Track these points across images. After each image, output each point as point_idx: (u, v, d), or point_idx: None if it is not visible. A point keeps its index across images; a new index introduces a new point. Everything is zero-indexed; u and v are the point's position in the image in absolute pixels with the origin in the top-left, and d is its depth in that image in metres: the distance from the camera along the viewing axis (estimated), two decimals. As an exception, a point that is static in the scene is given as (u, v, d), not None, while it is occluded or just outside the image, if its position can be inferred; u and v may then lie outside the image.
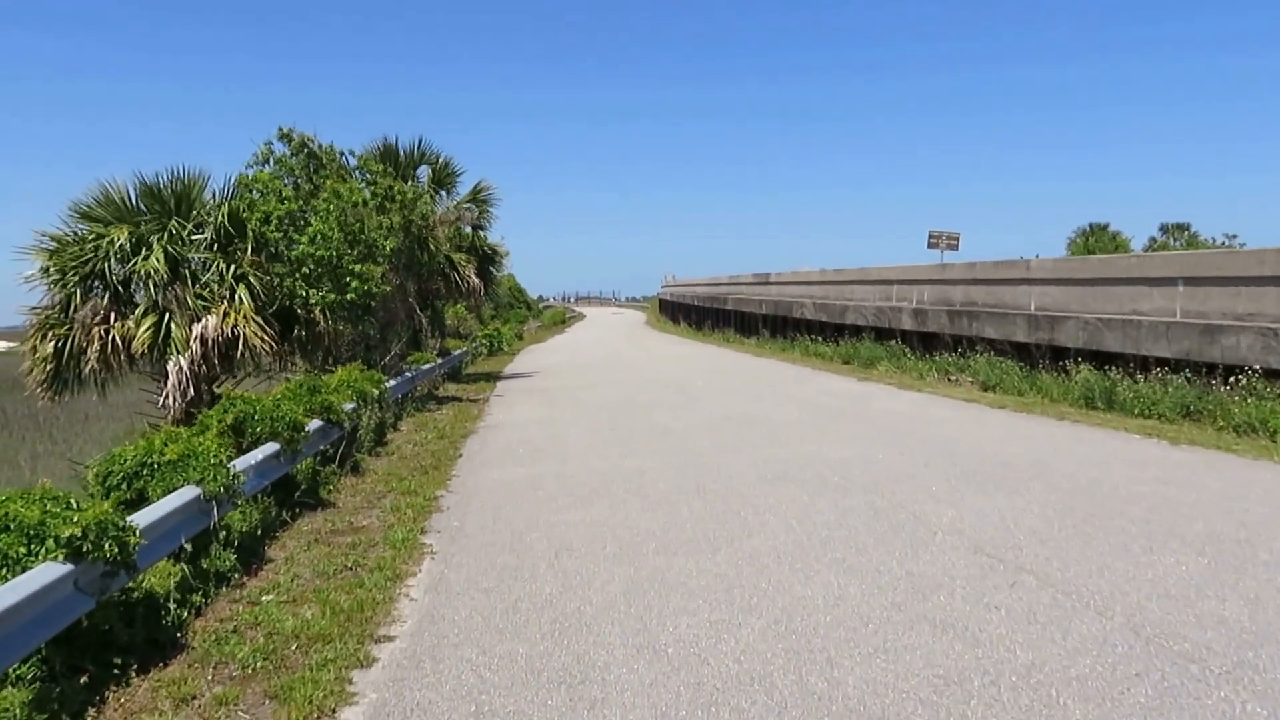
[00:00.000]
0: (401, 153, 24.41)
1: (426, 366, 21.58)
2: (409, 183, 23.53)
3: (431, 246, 23.33)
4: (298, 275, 17.07)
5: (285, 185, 18.43)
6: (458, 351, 28.62)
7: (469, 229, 25.93)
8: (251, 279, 16.82)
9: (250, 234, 16.95)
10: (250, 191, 17.87)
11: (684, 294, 59.87)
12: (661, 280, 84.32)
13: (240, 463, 7.97)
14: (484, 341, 38.96)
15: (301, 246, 16.87)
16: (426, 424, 16.23)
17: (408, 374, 19.42)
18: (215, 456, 7.10)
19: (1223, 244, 69.02)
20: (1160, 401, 12.93)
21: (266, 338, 16.52)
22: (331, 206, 17.32)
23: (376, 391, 14.55)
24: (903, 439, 11.98)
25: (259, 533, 8.08)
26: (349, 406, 12.36)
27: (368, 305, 18.06)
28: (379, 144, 23.94)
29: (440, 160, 25.25)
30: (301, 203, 18.56)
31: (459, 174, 25.30)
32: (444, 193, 25.51)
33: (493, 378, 26.91)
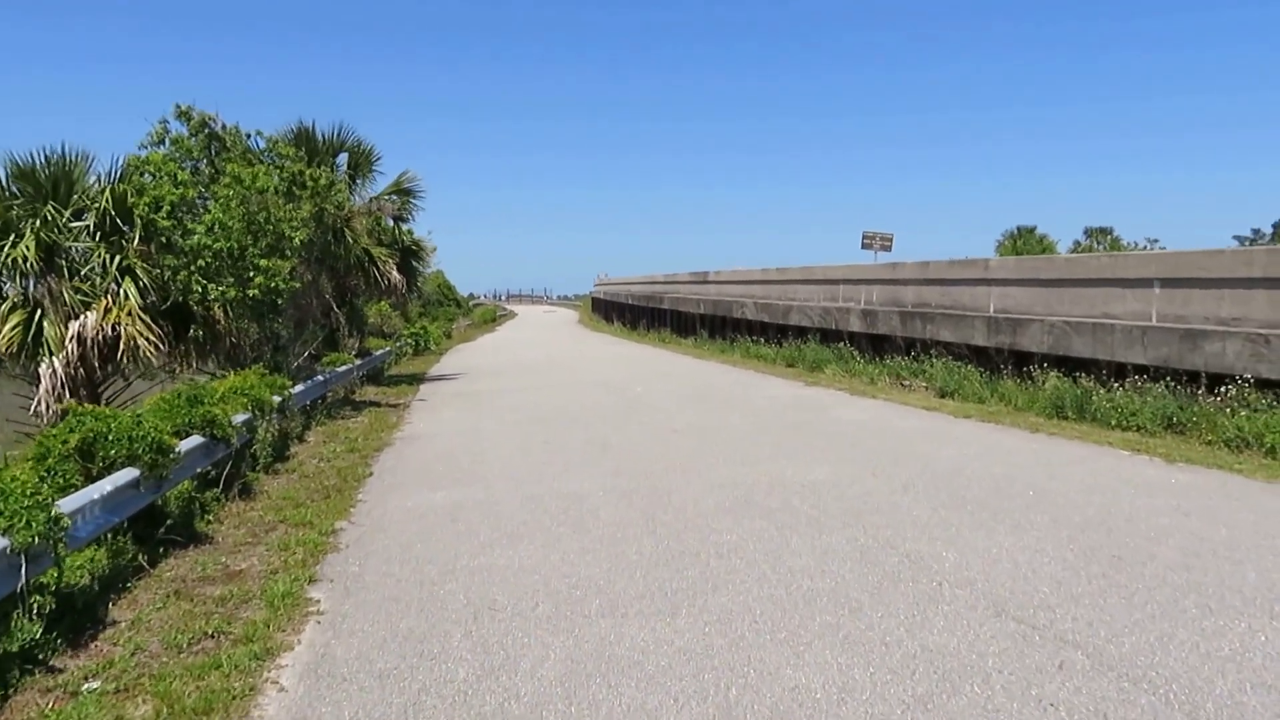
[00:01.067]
0: (320, 138, 22.55)
1: (342, 369, 19.85)
2: (322, 168, 21.73)
3: (349, 239, 21.60)
4: (193, 268, 15.24)
5: (183, 169, 16.54)
6: (379, 352, 26.82)
7: (391, 221, 24.18)
8: (139, 271, 14.98)
9: (138, 222, 15.08)
10: (141, 175, 15.96)
11: (618, 293, 58.52)
12: (594, 279, 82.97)
13: (78, 498, 6.35)
14: (409, 341, 37.05)
15: (197, 237, 15.05)
16: (337, 434, 14.57)
17: (320, 377, 17.70)
18: (30, 495, 5.48)
19: (1144, 247, 70.16)
20: (1139, 412, 11.94)
21: (154, 337, 14.70)
22: (232, 193, 15.51)
23: (278, 399, 12.88)
24: (872, 455, 10.75)
25: (101, 587, 6.47)
26: (240, 418, 10.71)
27: (274, 302, 16.28)
28: (294, 128, 22.08)
29: (361, 147, 23.48)
30: (201, 188, 16.71)
31: (379, 160, 23.55)
32: (364, 182, 23.76)
33: (417, 380, 25.20)
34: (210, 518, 8.78)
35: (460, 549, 7.32)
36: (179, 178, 15.85)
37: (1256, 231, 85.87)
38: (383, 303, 32.88)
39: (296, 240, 16.04)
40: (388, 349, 28.78)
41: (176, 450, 8.05)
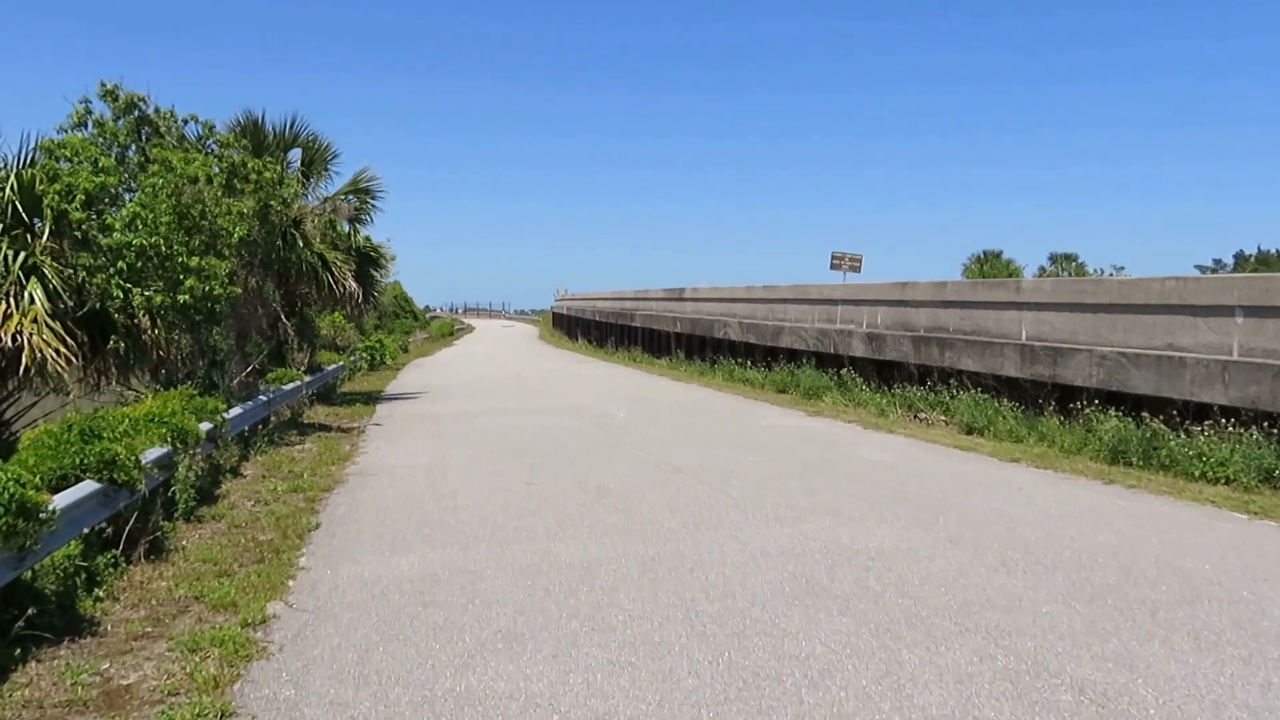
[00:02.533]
0: (270, 131, 20.40)
1: (289, 386, 17.63)
2: (278, 167, 19.55)
3: (299, 242, 19.40)
4: (113, 270, 13.01)
5: (106, 155, 14.28)
6: (331, 367, 24.57)
7: (346, 225, 22.00)
8: (48, 272, 12.68)
9: (48, 213, 12.81)
10: (55, 160, 13.71)
11: (582, 308, 56.53)
12: (554, 294, 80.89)
13: None
14: (364, 355, 34.73)
15: (117, 233, 12.83)
16: (280, 466, 12.42)
17: (262, 397, 15.49)
18: None
19: (1110, 274, 69.84)
20: (1228, 461, 10.23)
21: (65, 349, 12.43)
22: (161, 181, 13.32)
23: (207, 427, 10.73)
24: (928, 512, 8.89)
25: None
26: (154, 455, 8.57)
27: (211, 310, 14.07)
28: (242, 118, 19.90)
29: (316, 143, 21.35)
30: (127, 177, 14.50)
31: (336, 158, 21.41)
32: (318, 181, 21.58)
33: (372, 399, 23.00)
34: (102, 592, 6.65)
35: (440, 659, 5.28)
36: (100, 163, 13.61)
37: (1218, 261, 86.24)
38: (337, 314, 30.62)
39: (235, 236, 13.87)
40: (340, 364, 26.50)
41: (50, 509, 5.93)
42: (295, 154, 21.27)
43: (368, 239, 22.65)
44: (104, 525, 7.40)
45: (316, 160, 21.45)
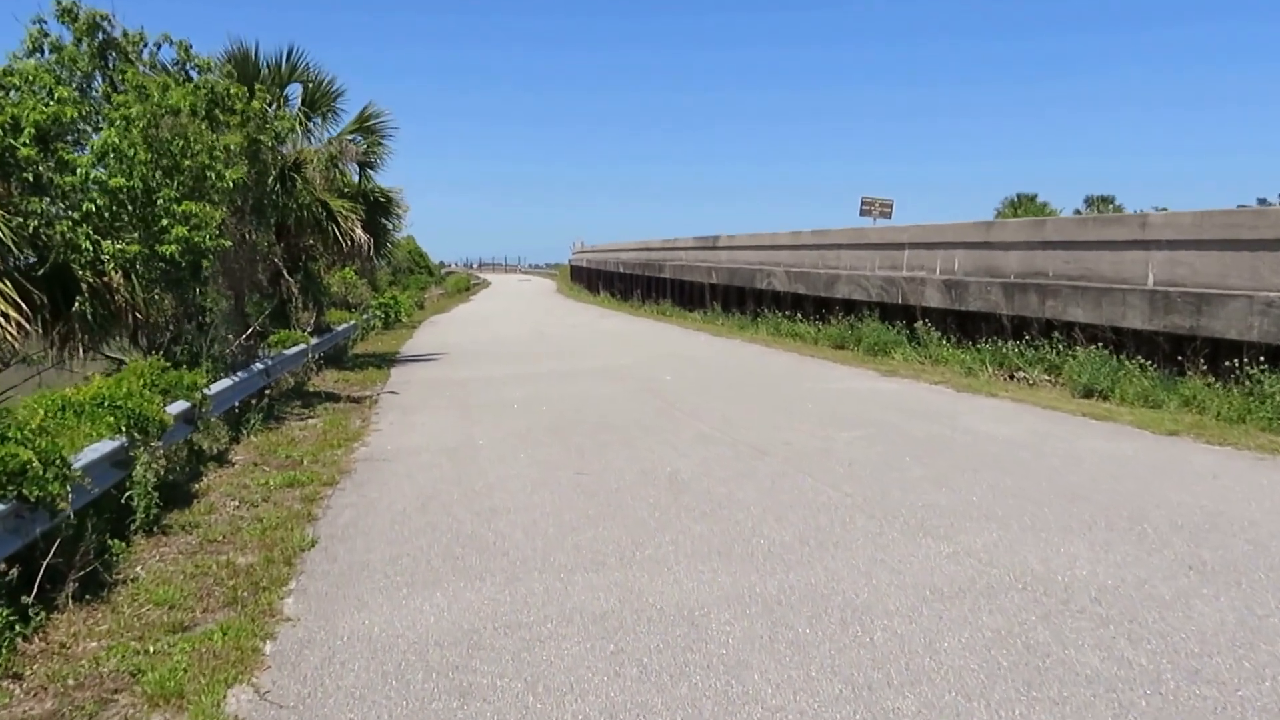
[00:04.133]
0: (264, 65, 18.08)
1: (292, 351, 15.54)
2: (275, 107, 17.25)
3: (300, 188, 17.19)
4: (78, 216, 10.86)
5: (64, 84, 12.03)
6: (342, 326, 22.45)
7: (353, 167, 19.73)
8: (-8, 220, 10.57)
9: (-10, 149, 10.64)
10: (4, 92, 11.51)
11: (604, 260, 54.15)
12: (571, 247, 78.39)
13: None
14: (378, 313, 32.61)
15: (82, 170, 10.64)
16: (277, 449, 10.35)
17: (258, 365, 13.41)
18: None
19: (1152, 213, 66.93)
20: None
21: (15, 314, 10.34)
22: (135, 111, 11.10)
23: (178, 409, 8.66)
24: (1129, 518, 6.71)
25: None
26: (95, 453, 6.51)
27: (197, 265, 11.93)
28: (232, 50, 17.58)
29: (318, 79, 18.98)
30: (90, 110, 12.27)
31: (342, 95, 19.07)
32: (322, 123, 19.27)
33: (387, 361, 20.93)
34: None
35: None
36: (56, 93, 11.37)
37: (1263, 200, 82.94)
38: (347, 269, 28.49)
39: (227, 180, 11.65)
40: (352, 323, 24.37)
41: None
42: (294, 91, 18.95)
43: (376, 184, 20.36)
44: (5, 564, 5.31)
45: (319, 98, 19.10)
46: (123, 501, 7.09)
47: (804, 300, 22.70)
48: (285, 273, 18.33)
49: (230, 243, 12.61)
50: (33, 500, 5.39)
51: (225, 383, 11.19)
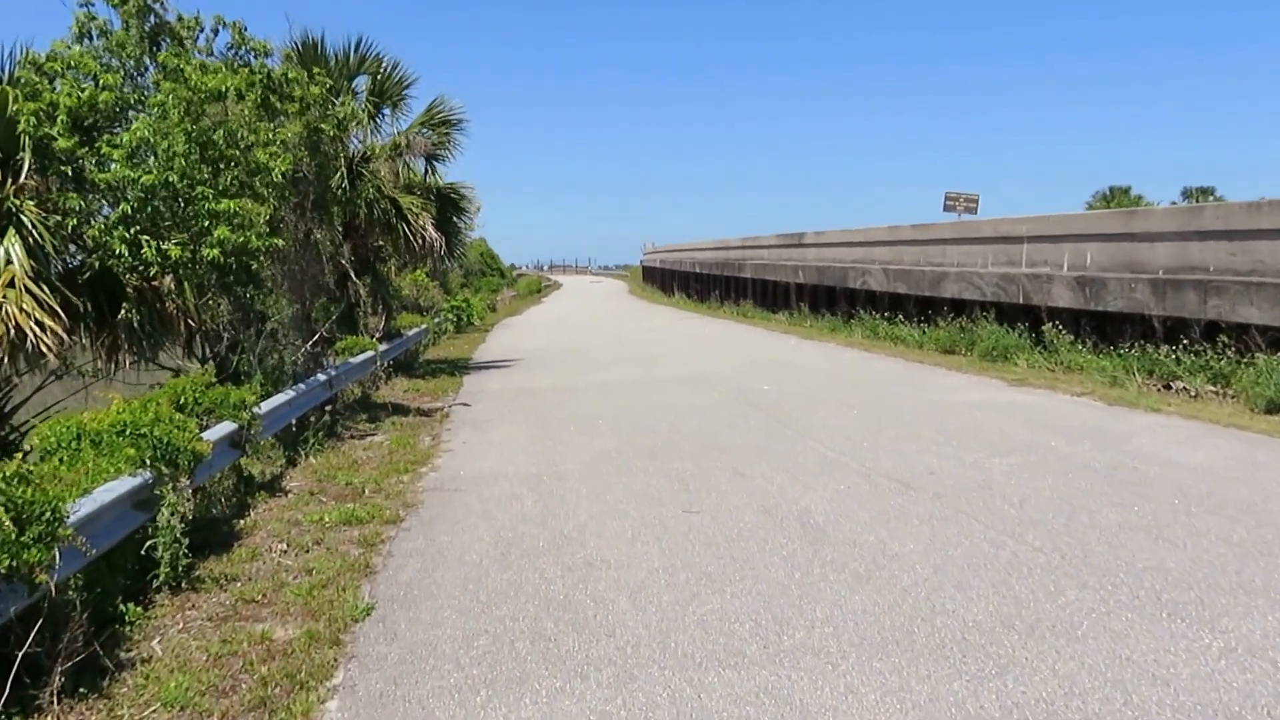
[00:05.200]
0: (332, 55, 17.02)
1: (359, 359, 14.40)
2: (340, 98, 16.13)
3: (368, 180, 16.09)
4: (114, 216, 9.80)
5: (113, 71, 10.97)
6: (412, 331, 21.33)
7: (421, 162, 18.58)
8: (28, 219, 9.52)
9: (25, 141, 9.61)
10: (44, 77, 10.51)
11: (679, 260, 52.65)
12: (642, 247, 77.01)
13: None
14: (450, 316, 31.61)
15: (117, 165, 9.56)
16: (336, 475, 9.11)
17: (321, 376, 12.26)
18: None
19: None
20: None
21: (53, 322, 9.30)
22: (172, 99, 9.98)
23: (231, 427, 7.49)
24: None
25: None
26: (99, 501, 5.27)
27: (247, 267, 10.81)
28: (299, 40, 16.52)
29: (388, 70, 17.86)
30: (136, 99, 11.21)
31: (413, 84, 17.90)
32: (392, 115, 18.16)
33: (459, 368, 19.78)
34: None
35: None
36: (101, 80, 10.32)
37: (1380, 191, 78.11)
38: (419, 271, 27.54)
39: (276, 173, 10.47)
40: (424, 327, 23.25)
41: None
42: (361, 83, 17.84)
43: (447, 182, 19.18)
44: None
45: (388, 88, 17.97)
46: (143, 552, 5.86)
47: (904, 300, 20.93)
48: (353, 275, 17.26)
49: (283, 241, 11.44)
50: (12, 575, 4.13)
51: (281, 397, 10.02)
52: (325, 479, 9.06)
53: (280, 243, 10.52)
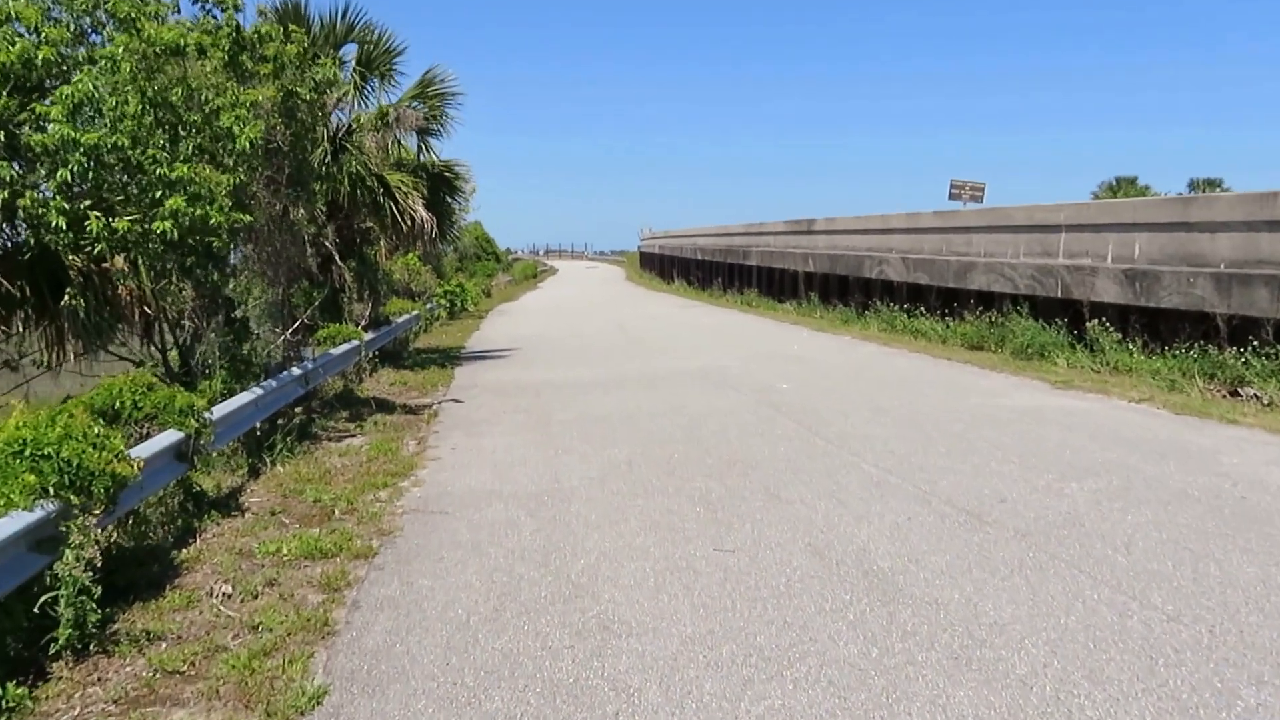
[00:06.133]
0: (317, 20, 15.69)
1: (340, 349, 13.16)
2: (321, 61, 14.75)
3: (353, 160, 14.79)
4: (52, 184, 8.50)
5: (56, 23, 9.63)
6: (403, 318, 20.05)
7: (413, 138, 17.29)
8: (-51, 189, 8.26)
9: (-53, 99, 8.32)
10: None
11: (680, 246, 51.31)
12: (639, 233, 75.51)
13: None
14: (442, 302, 30.30)
15: (55, 126, 8.25)
16: (304, 489, 7.86)
17: (296, 369, 11.02)
18: None
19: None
20: None
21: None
22: (124, 52, 8.67)
23: (176, 437, 6.26)
24: None
25: None
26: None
27: (208, 246, 9.53)
28: (277, 4, 15.17)
29: (376, 37, 16.52)
30: (87, 53, 9.90)
31: (403, 53, 16.56)
32: (380, 86, 16.81)
33: (450, 358, 18.53)
34: None
35: None
36: (44, 33, 9.00)
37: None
38: (411, 254, 26.22)
39: (243, 139, 9.15)
40: (414, 313, 21.94)
41: None
42: (349, 54, 16.48)
43: (439, 159, 17.85)
44: None
45: (376, 57, 16.62)
46: (36, 609, 4.61)
47: (925, 291, 19.68)
48: (338, 258, 16.00)
49: (254, 219, 10.12)
50: None
51: (245, 397, 8.76)
52: (291, 493, 7.82)
53: (247, 219, 9.20)
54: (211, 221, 8.70)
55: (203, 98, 9.14)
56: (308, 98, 10.80)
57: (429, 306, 27.09)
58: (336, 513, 7.21)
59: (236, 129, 8.95)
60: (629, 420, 10.57)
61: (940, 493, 7.08)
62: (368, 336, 15.25)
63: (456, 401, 12.79)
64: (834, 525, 6.33)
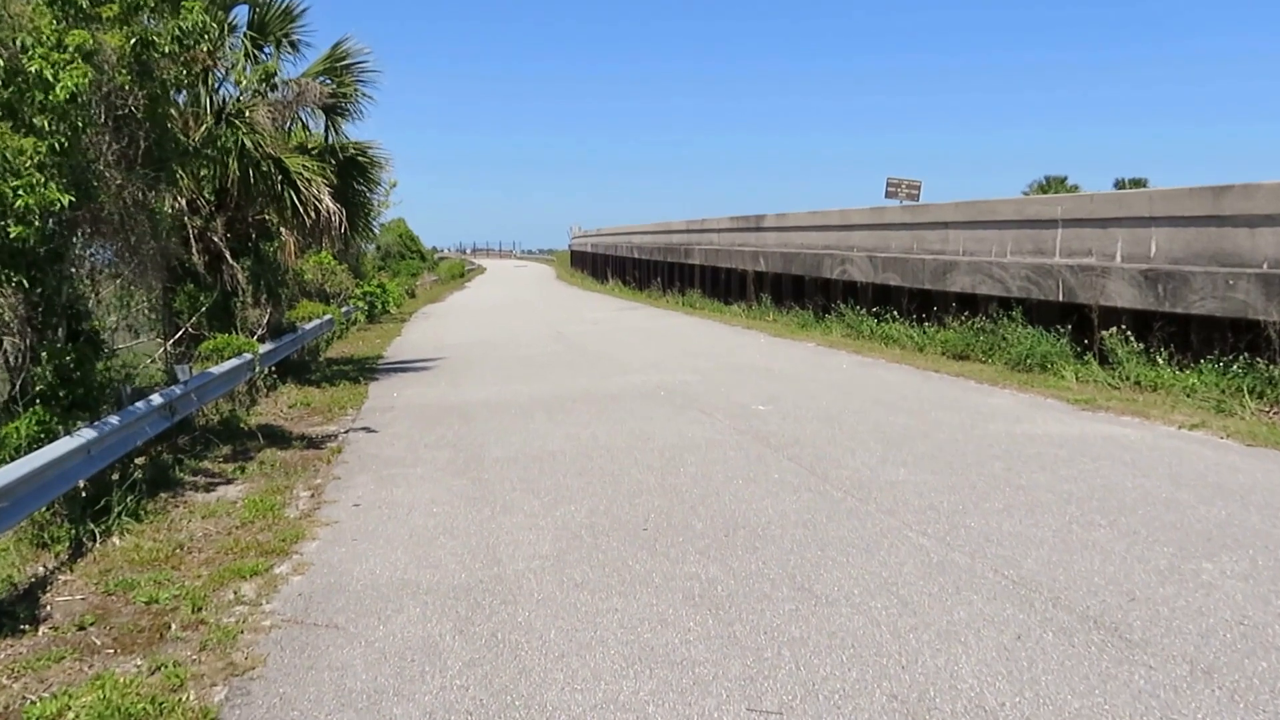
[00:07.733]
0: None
1: (225, 366, 10.78)
2: (220, 35, 12.20)
3: (240, 130, 12.34)
4: None
5: None
6: (310, 325, 17.51)
7: (320, 121, 14.84)
8: None
9: None
10: None
11: (614, 244, 49.14)
12: (568, 231, 73.09)
13: None
14: (360, 304, 27.70)
15: None
16: (135, 584, 5.57)
17: (156, 399, 8.61)
18: None
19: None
20: None
21: None
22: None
23: None
24: None
25: None
26: None
27: (5, 236, 7.05)
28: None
29: (274, -1, 14.04)
30: None
31: (300, 14, 14.08)
32: (276, 54, 14.28)
33: (365, 371, 16.16)
34: None
35: None
36: None
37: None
38: (324, 253, 23.63)
39: (62, 88, 6.74)
40: (326, 318, 19.35)
41: None
42: (241, 14, 13.95)
43: (349, 141, 15.40)
44: None
45: (272, 23, 14.11)
46: None
47: (897, 294, 17.88)
48: (228, 255, 13.51)
49: (74, 199, 7.67)
50: None
51: (60, 447, 6.37)
52: (118, 589, 5.51)
53: (66, 199, 6.77)
54: (12, 203, 6.31)
55: (4, 38, 6.75)
56: (167, 49, 8.34)
57: (345, 310, 24.52)
58: (174, 627, 4.93)
59: (50, 74, 6.56)
60: (584, 459, 8.41)
61: (1034, 582, 5.08)
62: (264, 348, 12.82)
63: (368, 431, 10.48)
64: (912, 650, 4.27)
